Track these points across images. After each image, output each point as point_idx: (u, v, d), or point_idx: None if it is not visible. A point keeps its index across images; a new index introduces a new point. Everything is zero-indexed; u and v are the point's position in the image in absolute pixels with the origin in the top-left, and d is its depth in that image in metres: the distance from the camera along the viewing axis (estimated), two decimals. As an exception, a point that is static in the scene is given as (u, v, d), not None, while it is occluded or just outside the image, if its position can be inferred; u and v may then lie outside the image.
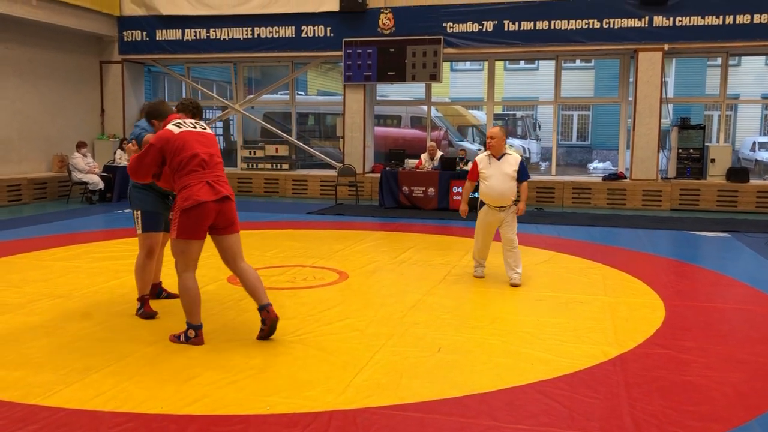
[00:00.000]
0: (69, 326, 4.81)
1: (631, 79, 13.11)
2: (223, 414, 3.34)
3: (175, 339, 4.46)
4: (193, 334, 4.43)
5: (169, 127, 4.49)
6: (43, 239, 8.50)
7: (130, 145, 4.90)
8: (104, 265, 6.89)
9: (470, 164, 12.59)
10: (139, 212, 5.08)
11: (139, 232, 5.12)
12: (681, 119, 13.53)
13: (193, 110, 4.77)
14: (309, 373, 3.92)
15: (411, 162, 12.88)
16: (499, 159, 6.21)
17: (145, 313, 5.07)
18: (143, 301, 5.12)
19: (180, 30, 14.35)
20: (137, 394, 3.58)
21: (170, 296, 5.52)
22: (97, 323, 4.90)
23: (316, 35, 13.75)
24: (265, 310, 4.52)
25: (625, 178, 13.12)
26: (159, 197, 5.10)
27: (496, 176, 6.16)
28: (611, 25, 12.36)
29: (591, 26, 12.45)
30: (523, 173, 6.24)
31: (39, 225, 9.80)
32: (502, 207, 6.19)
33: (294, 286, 6.15)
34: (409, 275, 6.64)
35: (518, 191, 6.29)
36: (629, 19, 12.29)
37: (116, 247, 7.91)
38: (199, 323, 4.46)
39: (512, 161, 6.19)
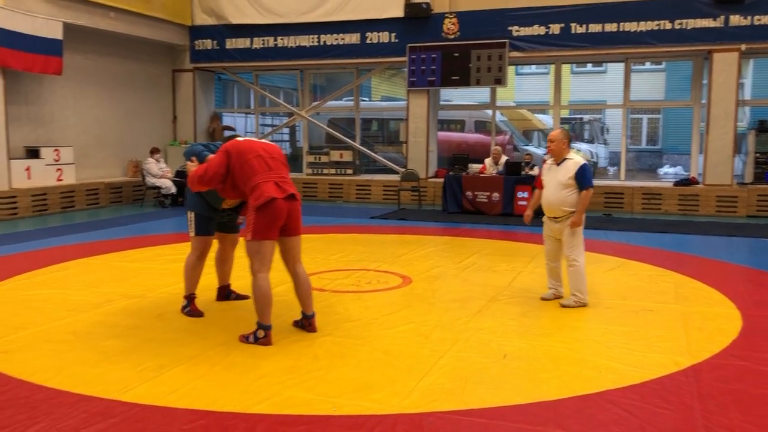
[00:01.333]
0: (143, 325, 5.00)
1: (705, 82, 12.67)
2: (290, 414, 3.41)
3: (245, 339, 4.57)
4: (262, 335, 4.53)
5: (236, 138, 4.80)
6: (119, 241, 8.84)
7: (190, 163, 5.01)
8: (175, 267, 7.08)
9: (536, 169, 12.52)
10: (193, 215, 5.23)
11: (193, 234, 5.28)
12: (759, 122, 12.99)
13: None
14: (374, 376, 3.95)
15: (475, 167, 12.81)
16: (558, 164, 5.67)
17: (191, 311, 5.24)
18: (190, 299, 5.29)
19: (248, 38, 14.70)
20: (208, 392, 3.69)
21: (239, 297, 5.65)
22: (169, 322, 5.08)
23: (381, 41, 13.86)
24: (308, 320, 4.81)
25: (698, 183, 12.69)
26: (209, 205, 5.22)
27: (550, 184, 5.65)
28: (684, 26, 11.99)
29: (662, 27, 12.10)
30: (582, 180, 5.50)
31: (115, 228, 10.20)
32: (555, 218, 5.66)
33: (358, 290, 6.20)
34: (473, 281, 6.60)
35: None
36: (703, 19, 11.88)
37: (187, 250, 8.10)
38: (269, 324, 4.56)
39: (570, 167, 5.54)
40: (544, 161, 12.66)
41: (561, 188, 5.57)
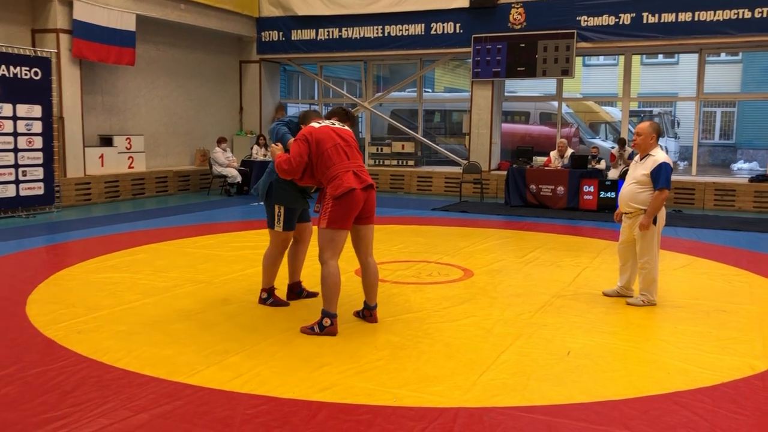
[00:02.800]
0: (209, 310, 5.12)
1: (786, 73, 12.07)
2: (351, 403, 3.42)
3: (309, 330, 4.55)
4: (328, 323, 4.51)
5: (311, 124, 4.72)
6: (187, 228, 9.09)
7: (274, 146, 4.86)
8: (242, 254, 7.26)
9: (602, 162, 12.19)
10: (282, 209, 5.04)
11: (279, 230, 5.08)
12: (844, 116, 12.32)
13: (342, 115, 4.93)
14: (435, 369, 3.93)
15: (539, 159, 12.58)
16: (642, 159, 5.43)
17: (276, 301, 5.24)
18: (270, 291, 5.26)
19: (314, 30, 14.82)
20: (271, 378, 3.74)
21: (310, 295, 5.50)
22: (235, 308, 5.18)
23: (446, 32, 13.75)
24: (369, 310, 4.82)
25: (776, 179, 12.12)
26: (299, 193, 5.10)
27: (628, 178, 5.50)
28: (764, 14, 11.43)
29: (741, 16, 11.58)
30: (657, 179, 5.23)
31: (183, 215, 10.49)
32: (625, 213, 5.50)
33: (419, 281, 6.18)
34: (536, 276, 6.49)
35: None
36: (786, 7, 11.31)
37: (253, 237, 8.31)
38: (335, 312, 4.56)
39: (649, 164, 5.30)
40: (612, 155, 12.35)
41: (634, 184, 5.38)
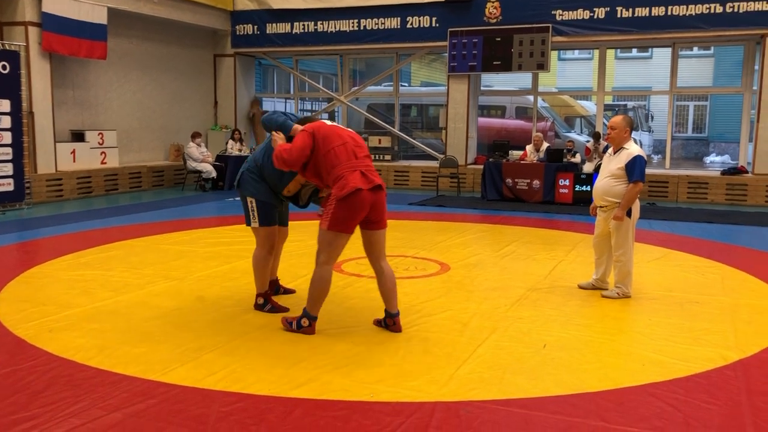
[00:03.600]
0: (183, 307, 5.06)
1: (757, 67, 12.25)
2: (328, 399, 3.40)
3: (288, 325, 4.48)
4: (306, 323, 4.41)
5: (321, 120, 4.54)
6: (161, 224, 8.98)
7: (276, 134, 4.53)
8: (217, 250, 7.19)
9: (578, 156, 12.27)
10: (254, 201, 4.77)
11: (256, 225, 4.82)
12: (813, 109, 12.51)
13: None
14: (412, 364, 3.93)
15: (515, 153, 12.63)
16: (616, 153, 5.44)
17: (274, 307, 4.91)
18: (266, 297, 4.96)
19: (289, 23, 14.71)
20: (246, 375, 3.71)
21: (287, 292, 5.44)
22: (209, 305, 5.12)
23: (422, 26, 13.73)
24: (392, 318, 4.55)
25: (747, 172, 12.31)
26: (271, 190, 4.82)
27: (602, 172, 5.49)
28: (735, 9, 11.59)
29: (712, 11, 11.72)
30: (631, 172, 5.26)
31: (157, 211, 10.35)
32: (600, 207, 5.51)
33: (396, 276, 6.15)
34: (512, 269, 6.52)
35: None
36: (756, 2, 11.47)
37: (228, 233, 8.23)
38: (316, 316, 4.44)
39: (623, 157, 5.32)
40: (587, 149, 12.43)
41: (609, 177, 5.39)
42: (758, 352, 4.17)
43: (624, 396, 3.50)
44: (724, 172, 12.59)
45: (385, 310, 4.58)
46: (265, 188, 4.79)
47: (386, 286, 4.52)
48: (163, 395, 3.41)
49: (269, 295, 5.01)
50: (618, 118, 5.47)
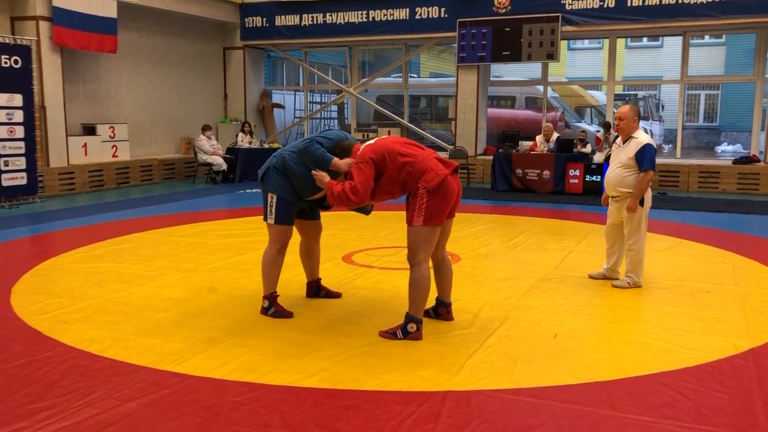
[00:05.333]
0: (196, 299, 5.10)
1: (769, 55, 12.15)
2: (340, 388, 3.43)
3: (390, 335, 4.19)
4: (414, 329, 4.16)
5: (366, 143, 4.34)
6: (172, 217, 9.03)
7: (318, 174, 4.27)
8: (227, 242, 7.23)
9: (588, 146, 12.21)
10: (274, 198, 4.54)
11: (271, 222, 4.59)
12: (826, 97, 12.43)
13: None
14: (423, 353, 3.95)
15: (525, 144, 12.60)
16: (625, 143, 5.44)
17: (277, 312, 4.63)
18: (272, 299, 4.68)
19: (298, 15, 14.70)
20: (259, 365, 3.74)
21: (329, 295, 5.11)
22: (221, 296, 5.16)
23: (430, 16, 13.68)
24: (446, 308, 4.55)
25: (759, 161, 12.22)
26: (294, 190, 4.59)
27: (613, 163, 5.49)
28: (747, -3, 11.47)
29: (724, -2, 11.61)
30: (642, 161, 5.25)
31: (168, 203, 10.41)
32: (613, 197, 5.52)
33: (406, 267, 6.16)
34: (523, 259, 6.52)
35: None
36: (768, -10, 11.35)
37: (238, 225, 8.28)
38: (421, 318, 4.23)
39: (632, 147, 5.32)
40: (597, 139, 12.35)
41: (620, 167, 5.39)
42: (770, 340, 4.16)
43: (635, 385, 3.51)
44: (735, 162, 12.51)
45: (438, 299, 4.56)
46: (288, 187, 4.55)
47: (447, 276, 4.51)
48: (177, 385, 3.45)
49: (275, 297, 4.70)
50: (625, 108, 5.46)
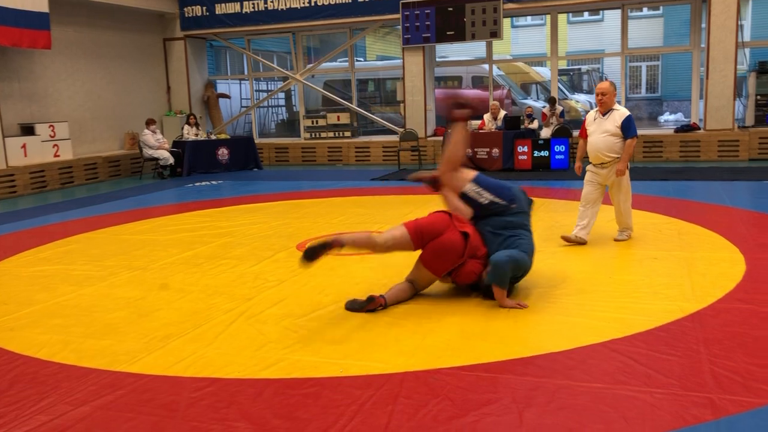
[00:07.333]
0: (148, 296, 5.01)
1: (704, 25, 12.45)
2: (298, 377, 3.42)
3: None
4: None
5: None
6: (120, 214, 8.83)
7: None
8: (178, 237, 7.11)
9: (536, 122, 12.37)
10: None
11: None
12: (759, 63, 12.82)
13: None
14: (380, 337, 3.96)
15: (474, 123, 12.66)
16: (604, 115, 6.02)
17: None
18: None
19: (239, 2, 14.45)
20: (215, 360, 3.70)
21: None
22: (174, 293, 5.08)
23: (373, -1, 13.61)
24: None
25: (699, 129, 12.58)
26: None
27: (597, 132, 6.05)
28: (681, -32, 11.72)
29: (659, -29, 11.84)
30: (628, 129, 5.93)
31: (115, 201, 10.17)
32: (602, 164, 6.05)
33: (359, 252, 6.17)
34: (476, 237, 6.56)
35: None
36: (700, -39, 11.61)
37: (189, 220, 8.14)
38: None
39: (616, 117, 5.96)
40: (543, 115, 12.46)
41: (609, 137, 5.95)
42: (714, 302, 4.31)
43: (588, 354, 3.59)
44: (677, 130, 12.84)
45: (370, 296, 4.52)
46: None
47: (405, 294, 4.67)
48: (131, 385, 3.39)
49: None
50: (606, 84, 6.04)
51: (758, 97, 12.33)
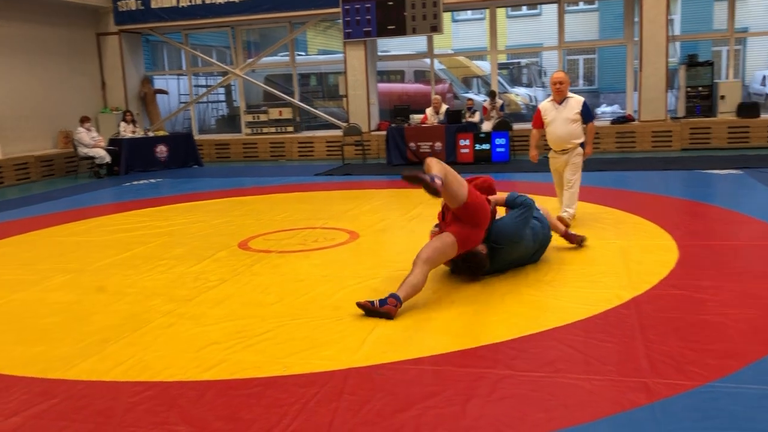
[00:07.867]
0: (84, 300, 4.85)
1: (636, 19, 12.80)
2: (241, 377, 3.37)
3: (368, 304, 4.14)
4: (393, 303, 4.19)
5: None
6: (54, 216, 8.52)
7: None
8: (116, 238, 6.92)
9: (477, 115, 12.50)
10: None
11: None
12: (689, 57, 13.27)
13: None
14: (324, 334, 3.93)
15: (416, 117, 12.74)
16: (560, 103, 6.28)
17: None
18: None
19: (175, -4, 14.12)
20: (155, 363, 3.61)
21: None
22: (110, 295, 4.93)
23: (313, -7, 13.49)
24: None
25: (634, 120, 12.94)
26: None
27: (558, 121, 6.26)
28: (614, -36, 12.02)
29: (593, -34, 12.10)
30: (587, 115, 6.25)
31: (49, 202, 9.81)
32: (564, 150, 6.32)
33: (305, 248, 6.14)
34: (420, 231, 6.56)
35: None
36: (632, -44, 11.92)
37: (126, 220, 7.93)
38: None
39: (574, 104, 6.22)
40: (484, 108, 12.57)
41: (570, 123, 6.22)
42: (649, 288, 4.44)
43: (528, 343, 3.65)
44: (613, 122, 13.17)
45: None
46: None
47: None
48: (66, 393, 3.28)
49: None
50: (561, 74, 6.33)
51: (688, 89, 12.77)
